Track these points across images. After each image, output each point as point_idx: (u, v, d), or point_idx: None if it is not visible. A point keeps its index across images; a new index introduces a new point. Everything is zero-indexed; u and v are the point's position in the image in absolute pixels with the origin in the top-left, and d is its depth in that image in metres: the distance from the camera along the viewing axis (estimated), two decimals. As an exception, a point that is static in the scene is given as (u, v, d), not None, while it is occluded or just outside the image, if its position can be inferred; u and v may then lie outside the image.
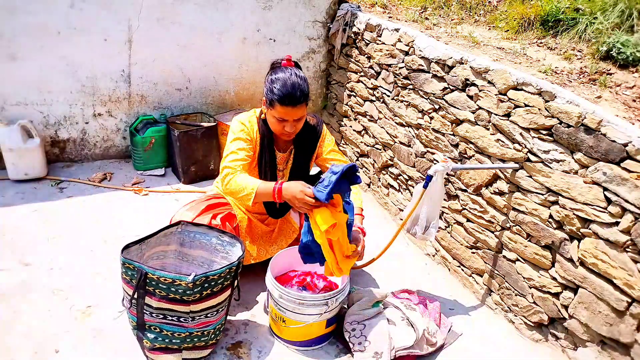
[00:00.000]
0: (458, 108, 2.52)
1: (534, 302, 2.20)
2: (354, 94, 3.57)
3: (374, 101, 3.31)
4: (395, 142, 3.10)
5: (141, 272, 1.73)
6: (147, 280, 1.74)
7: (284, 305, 2.00)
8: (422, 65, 2.76)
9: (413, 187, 2.93)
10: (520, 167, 2.17)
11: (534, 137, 2.08)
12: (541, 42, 2.76)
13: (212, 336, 1.94)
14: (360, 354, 1.99)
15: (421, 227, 2.23)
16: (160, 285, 1.75)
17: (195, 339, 1.89)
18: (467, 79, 2.43)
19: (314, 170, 2.40)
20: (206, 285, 1.79)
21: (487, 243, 2.43)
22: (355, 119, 3.60)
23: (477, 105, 2.38)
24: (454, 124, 2.57)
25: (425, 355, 2.09)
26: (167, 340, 1.85)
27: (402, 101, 2.99)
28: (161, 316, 1.81)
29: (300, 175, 2.27)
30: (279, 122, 2.01)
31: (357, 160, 3.64)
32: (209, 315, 1.87)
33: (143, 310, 1.80)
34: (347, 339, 2.04)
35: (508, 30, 3.04)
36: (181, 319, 1.82)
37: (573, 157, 1.93)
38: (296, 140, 2.20)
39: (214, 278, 1.80)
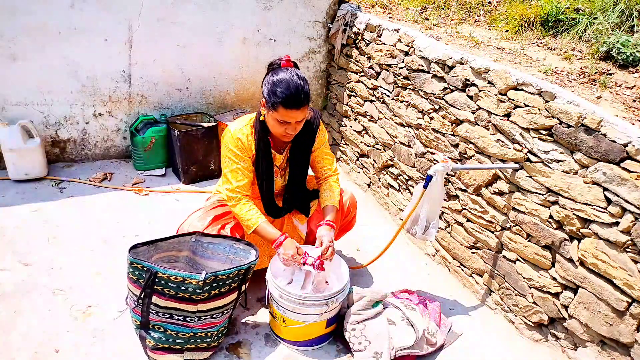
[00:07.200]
0: (458, 108, 2.52)
1: (534, 302, 2.20)
2: (354, 94, 3.57)
3: (374, 101, 3.31)
4: (395, 142, 3.10)
5: (151, 271, 1.74)
6: (156, 280, 1.75)
7: (284, 305, 2.00)
8: (422, 66, 2.76)
9: (413, 187, 2.93)
10: (520, 167, 2.17)
11: (534, 137, 2.08)
12: (541, 43, 2.76)
13: (215, 338, 1.95)
14: (360, 353, 1.99)
15: (421, 227, 2.23)
16: (170, 284, 1.76)
17: (199, 340, 1.90)
18: (467, 79, 2.43)
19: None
20: (214, 284, 1.81)
21: (487, 243, 2.43)
22: (355, 119, 3.60)
23: (477, 105, 2.38)
24: (454, 124, 2.57)
25: (425, 355, 2.10)
26: (170, 340, 1.86)
27: (402, 101, 2.99)
28: (167, 315, 1.82)
29: (299, 174, 2.25)
30: (281, 124, 1.96)
31: (357, 160, 3.64)
32: (214, 316, 1.89)
33: (149, 310, 1.81)
34: (347, 339, 2.04)
35: (508, 30, 3.04)
36: (187, 319, 1.84)
37: (573, 157, 1.93)
38: (293, 138, 2.12)
39: (222, 278, 1.82)
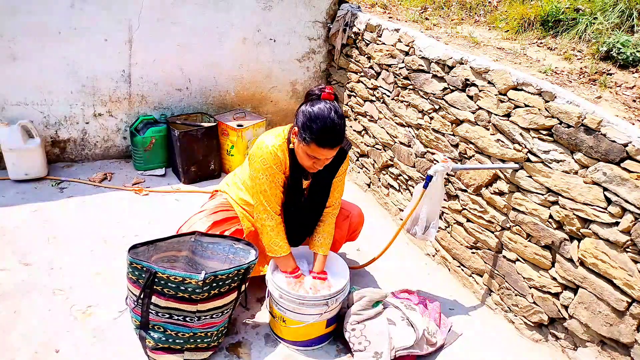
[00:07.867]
0: (458, 108, 2.52)
1: (534, 302, 2.20)
2: (354, 94, 3.57)
3: (374, 101, 3.31)
4: (395, 142, 3.10)
5: (150, 271, 1.74)
6: (156, 280, 1.75)
7: (284, 305, 2.00)
8: (422, 66, 2.76)
9: (413, 187, 2.93)
10: (520, 167, 2.17)
11: (534, 137, 2.08)
12: (541, 43, 2.76)
13: (215, 338, 1.95)
14: (360, 353, 1.99)
15: (421, 227, 2.23)
16: (169, 284, 1.76)
17: (199, 340, 1.90)
18: (467, 79, 2.43)
19: None
20: (214, 284, 1.81)
21: (487, 243, 2.43)
22: (355, 119, 3.60)
23: (477, 105, 2.38)
24: (454, 124, 2.57)
25: (425, 355, 2.10)
26: (170, 340, 1.86)
27: (402, 101, 2.99)
28: (167, 315, 1.82)
29: (320, 202, 2.17)
30: (310, 158, 1.89)
31: (357, 160, 3.64)
32: (214, 316, 1.88)
33: (149, 310, 1.81)
34: (347, 339, 2.04)
35: (508, 30, 3.04)
36: (187, 319, 1.84)
37: (573, 157, 1.93)
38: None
39: (222, 278, 1.82)
